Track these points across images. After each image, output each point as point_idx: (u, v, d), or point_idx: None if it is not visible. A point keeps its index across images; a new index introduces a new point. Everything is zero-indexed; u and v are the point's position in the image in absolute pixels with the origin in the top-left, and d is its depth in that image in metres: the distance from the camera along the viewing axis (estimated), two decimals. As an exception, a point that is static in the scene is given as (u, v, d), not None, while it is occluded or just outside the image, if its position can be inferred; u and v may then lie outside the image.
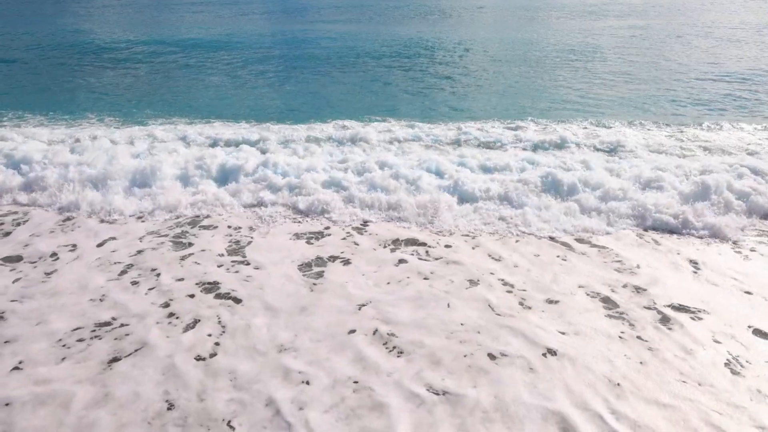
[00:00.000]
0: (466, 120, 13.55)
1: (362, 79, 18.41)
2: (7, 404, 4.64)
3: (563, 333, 5.59)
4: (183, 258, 7.22)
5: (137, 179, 9.34)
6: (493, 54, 22.54)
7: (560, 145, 11.38)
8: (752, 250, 7.34)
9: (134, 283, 6.54)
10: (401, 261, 7.09)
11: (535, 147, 11.39)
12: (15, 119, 13.52)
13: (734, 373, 4.98)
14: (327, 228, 8.06)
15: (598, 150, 11.18)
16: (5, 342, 5.53)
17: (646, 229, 7.94)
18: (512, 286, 6.46)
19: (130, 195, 8.99)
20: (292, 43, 24.80)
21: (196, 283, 6.55)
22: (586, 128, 12.77)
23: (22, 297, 6.35)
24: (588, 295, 6.29)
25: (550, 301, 6.16)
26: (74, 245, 7.53)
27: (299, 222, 8.28)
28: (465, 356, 5.22)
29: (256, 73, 18.93)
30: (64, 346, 5.37)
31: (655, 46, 23.80)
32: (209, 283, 6.56)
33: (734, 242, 7.53)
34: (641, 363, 5.14)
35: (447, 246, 7.51)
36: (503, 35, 27.63)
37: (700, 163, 9.74)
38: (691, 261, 7.05)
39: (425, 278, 6.68)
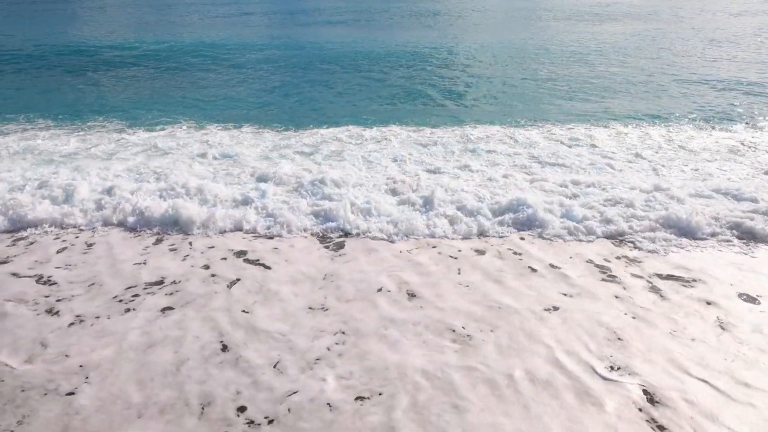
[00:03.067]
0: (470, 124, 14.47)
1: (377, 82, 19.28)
2: (67, 354, 5.47)
3: (565, 294, 6.50)
4: (210, 231, 8.08)
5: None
6: (504, 58, 23.49)
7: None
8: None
9: (172, 249, 7.40)
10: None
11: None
12: (24, 122, 13.89)
13: (723, 329, 5.85)
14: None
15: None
16: (57, 300, 6.35)
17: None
18: (520, 254, 7.39)
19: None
20: (291, 47, 25.38)
21: (228, 250, 7.43)
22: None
23: (67, 264, 7.17)
24: (587, 263, 7.21)
25: (553, 266, 7.08)
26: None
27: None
28: (477, 310, 6.11)
29: (262, 77, 19.20)
30: (120, 301, 6.21)
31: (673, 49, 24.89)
32: (239, 251, 7.43)
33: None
34: (635, 318, 6.04)
35: (456, 222, 8.42)
36: (510, 39, 28.60)
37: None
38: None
39: (434, 246, 7.58)
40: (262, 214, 8.36)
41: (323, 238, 7.88)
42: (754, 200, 8.75)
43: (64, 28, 31.24)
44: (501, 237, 7.91)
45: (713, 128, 13.14)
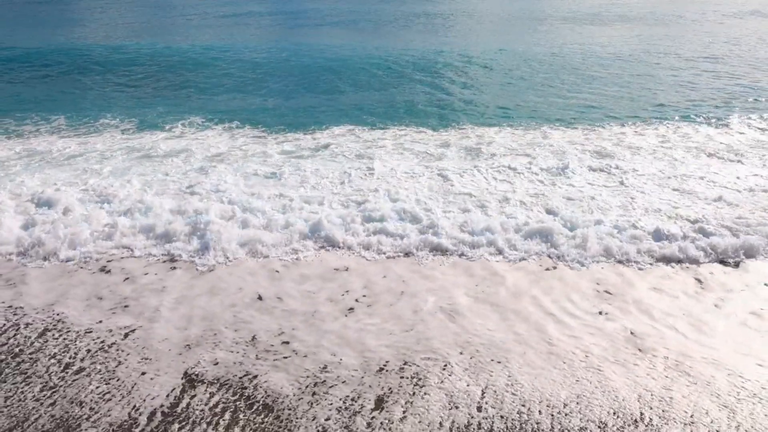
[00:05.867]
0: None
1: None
2: (126, 306, 6.46)
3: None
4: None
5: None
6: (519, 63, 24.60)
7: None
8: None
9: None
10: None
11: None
12: (41, 121, 14.51)
13: (703, 288, 6.89)
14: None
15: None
16: (108, 261, 7.34)
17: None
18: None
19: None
20: (292, 49, 26.18)
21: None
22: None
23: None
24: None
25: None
26: (139, 200, 9.39)
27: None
28: (485, 272, 7.14)
29: (266, 80, 19.46)
30: (164, 262, 7.22)
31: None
32: (265, 227, 8.48)
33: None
34: (623, 278, 7.08)
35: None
36: (516, 44, 29.67)
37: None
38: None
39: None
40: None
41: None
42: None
43: (66, 30, 32.27)
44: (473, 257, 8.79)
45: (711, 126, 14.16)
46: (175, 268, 7.11)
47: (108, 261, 7.35)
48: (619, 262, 7.40)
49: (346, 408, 4.93)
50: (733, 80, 18.28)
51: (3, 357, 5.63)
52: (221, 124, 14.14)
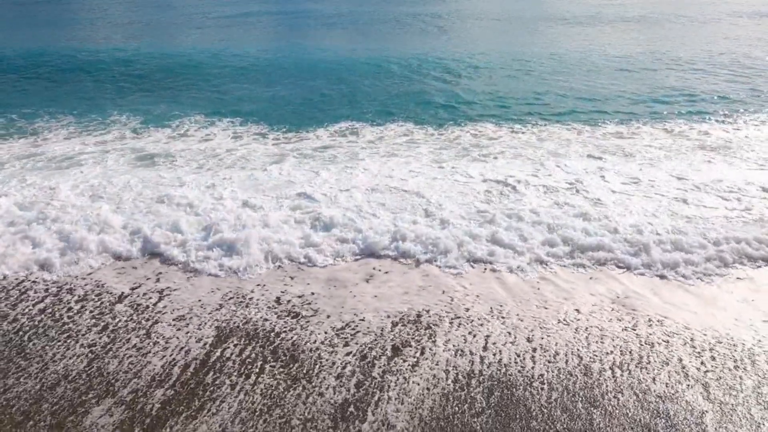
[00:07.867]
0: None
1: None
2: (159, 273, 7.16)
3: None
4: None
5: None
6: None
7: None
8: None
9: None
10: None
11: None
12: (50, 120, 14.99)
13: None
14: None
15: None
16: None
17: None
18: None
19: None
20: (292, 51, 26.68)
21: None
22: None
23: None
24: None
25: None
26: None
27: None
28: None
29: (269, 81, 20.13)
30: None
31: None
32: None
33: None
34: (620, 275, 7.79)
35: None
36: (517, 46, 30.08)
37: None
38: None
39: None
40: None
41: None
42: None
43: (69, 30, 32.92)
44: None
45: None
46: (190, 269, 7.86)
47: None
48: (618, 264, 7.54)
49: (364, 356, 5.63)
50: (732, 79, 18.89)
51: (46, 319, 6.31)
52: (224, 121, 14.56)
